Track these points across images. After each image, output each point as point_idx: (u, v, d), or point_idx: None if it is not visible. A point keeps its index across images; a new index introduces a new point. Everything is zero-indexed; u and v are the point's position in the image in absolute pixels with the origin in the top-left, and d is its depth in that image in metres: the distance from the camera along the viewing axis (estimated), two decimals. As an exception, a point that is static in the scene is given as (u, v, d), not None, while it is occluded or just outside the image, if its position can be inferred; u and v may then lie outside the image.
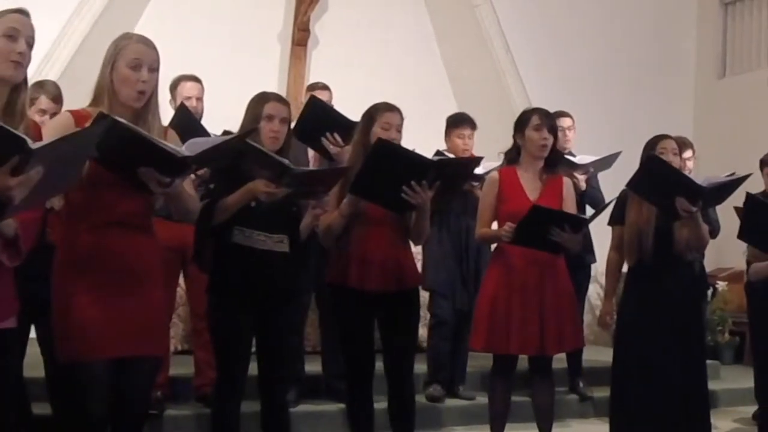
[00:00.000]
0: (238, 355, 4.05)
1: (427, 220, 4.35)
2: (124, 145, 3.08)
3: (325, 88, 6.01)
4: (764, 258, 5.08)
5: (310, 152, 5.46)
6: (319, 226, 4.22)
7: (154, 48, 3.40)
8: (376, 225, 4.29)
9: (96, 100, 3.37)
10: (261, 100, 4.12)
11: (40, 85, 4.66)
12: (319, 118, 5.18)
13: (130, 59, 3.32)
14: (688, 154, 6.26)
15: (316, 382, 5.77)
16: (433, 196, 4.15)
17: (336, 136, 5.08)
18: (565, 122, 6.37)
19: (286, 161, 3.86)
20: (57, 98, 4.62)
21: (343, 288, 4.31)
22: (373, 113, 4.36)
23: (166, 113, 4.69)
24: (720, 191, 4.71)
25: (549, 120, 4.75)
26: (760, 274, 5.19)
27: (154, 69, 3.37)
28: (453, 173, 4.36)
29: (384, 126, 4.28)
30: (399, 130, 4.33)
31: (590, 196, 6.12)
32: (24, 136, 2.67)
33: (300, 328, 5.65)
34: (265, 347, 4.14)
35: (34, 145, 2.65)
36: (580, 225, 4.60)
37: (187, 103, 5.33)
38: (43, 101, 4.56)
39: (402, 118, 4.38)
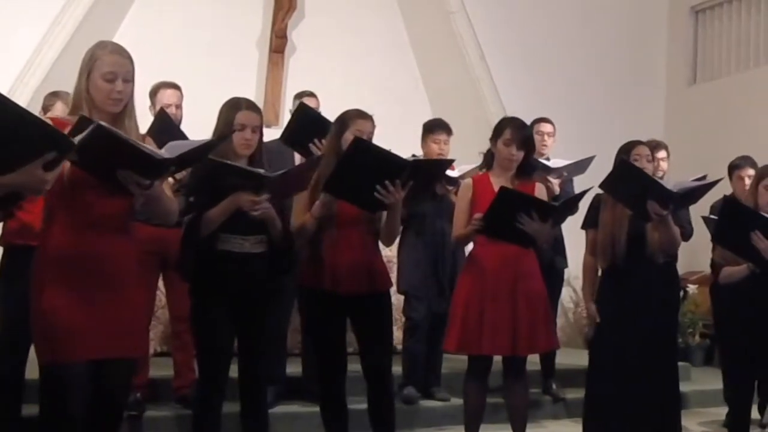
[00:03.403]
0: (220, 356, 4.09)
1: (398, 221, 4.38)
2: (104, 148, 3.10)
3: (312, 95, 6.10)
4: (734, 261, 5.05)
5: (297, 157, 5.54)
6: (291, 227, 4.26)
7: (129, 57, 3.42)
8: (348, 228, 4.32)
9: (75, 109, 3.40)
10: (233, 107, 4.14)
11: (56, 94, 4.96)
12: (307, 124, 5.30)
13: (105, 72, 3.34)
14: (662, 154, 6.33)
15: (295, 383, 5.80)
16: (405, 196, 4.18)
17: (323, 141, 5.16)
18: (546, 128, 6.44)
19: (261, 171, 3.93)
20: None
21: (317, 290, 4.33)
22: (346, 120, 4.39)
23: (146, 120, 4.73)
24: (691, 195, 4.79)
25: (521, 133, 4.75)
26: (732, 278, 5.10)
27: (129, 80, 3.40)
28: (426, 174, 4.42)
29: (356, 133, 4.26)
30: (370, 138, 4.35)
31: (565, 201, 6.17)
32: (63, 133, 2.86)
33: (283, 330, 5.70)
34: (245, 347, 4.19)
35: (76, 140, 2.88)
36: (548, 213, 4.61)
37: (166, 110, 5.37)
38: (59, 107, 4.76)
39: (373, 126, 4.41)
